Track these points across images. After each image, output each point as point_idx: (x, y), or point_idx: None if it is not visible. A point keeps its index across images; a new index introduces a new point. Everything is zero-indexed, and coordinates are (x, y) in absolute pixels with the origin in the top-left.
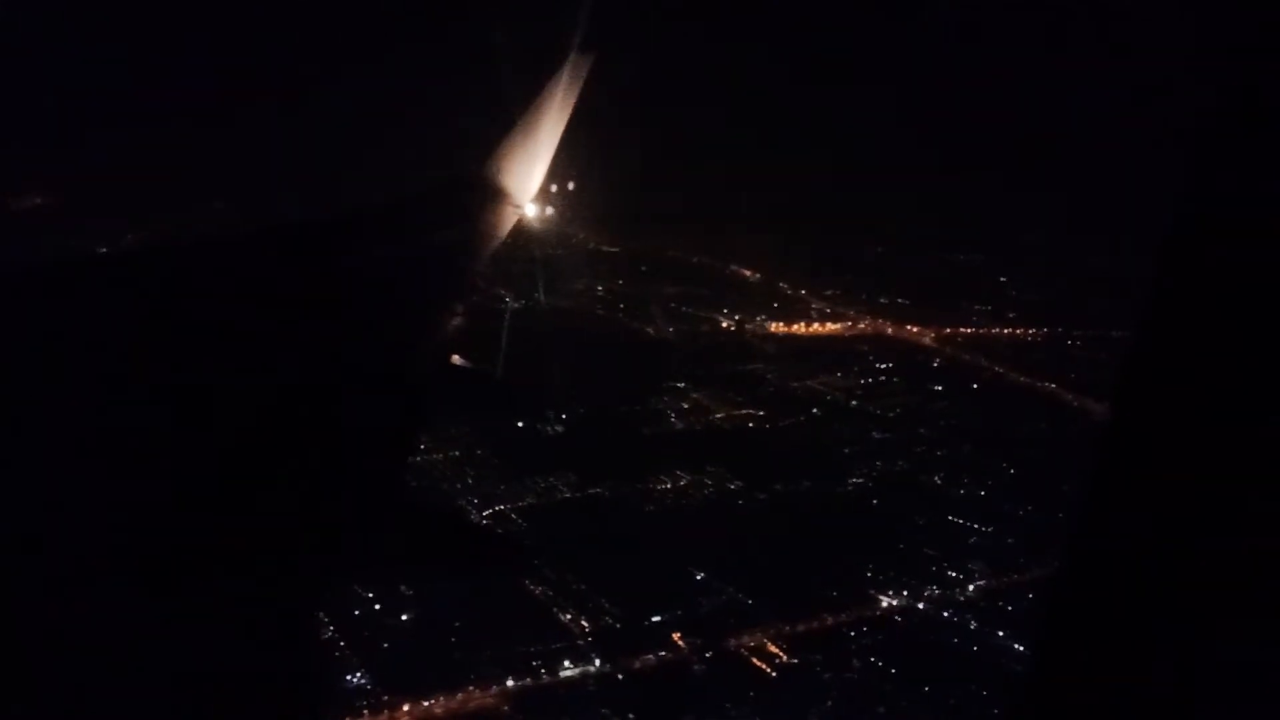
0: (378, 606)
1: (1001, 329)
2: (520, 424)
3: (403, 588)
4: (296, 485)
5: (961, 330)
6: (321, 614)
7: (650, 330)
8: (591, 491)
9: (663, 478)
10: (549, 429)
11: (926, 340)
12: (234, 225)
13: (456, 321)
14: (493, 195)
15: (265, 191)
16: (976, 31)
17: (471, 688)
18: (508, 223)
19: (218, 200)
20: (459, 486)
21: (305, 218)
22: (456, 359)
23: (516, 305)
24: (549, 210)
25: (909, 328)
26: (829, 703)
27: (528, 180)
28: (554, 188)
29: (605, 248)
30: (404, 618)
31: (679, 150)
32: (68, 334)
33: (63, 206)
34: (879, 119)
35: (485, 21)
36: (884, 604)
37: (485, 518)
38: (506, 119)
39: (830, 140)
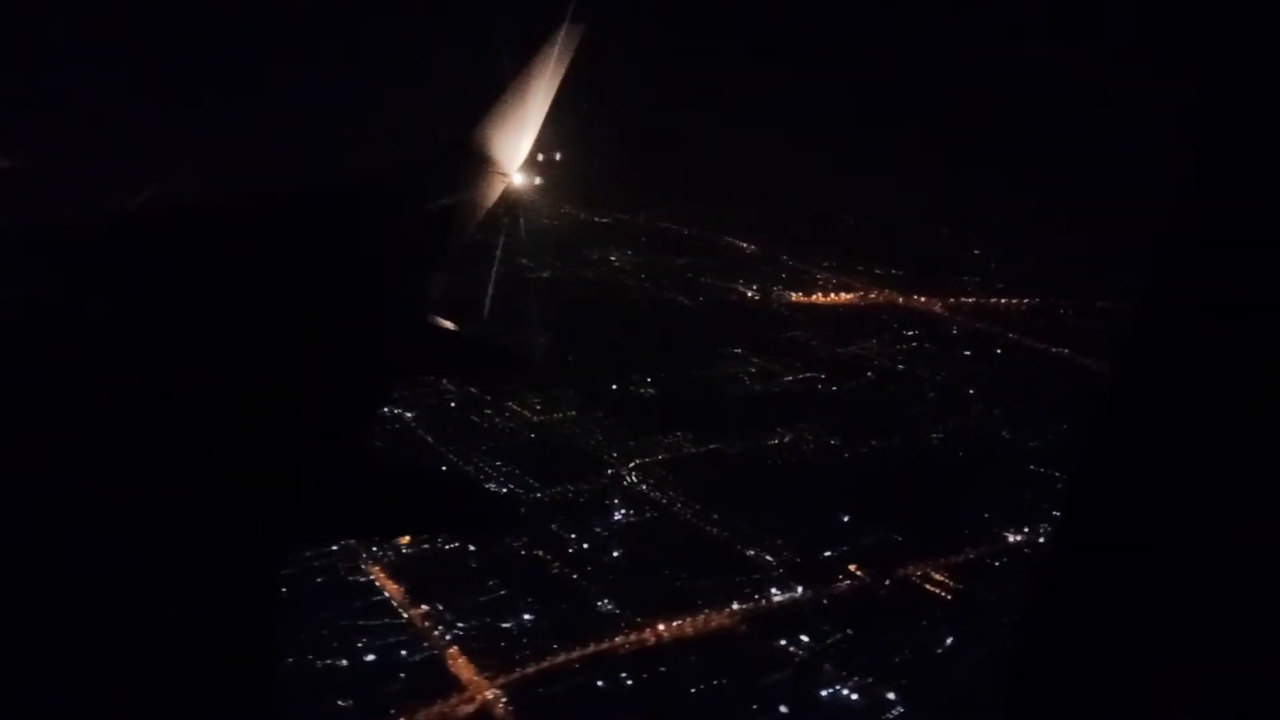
0: (586, 545)
1: (998, 299)
2: (615, 386)
3: (597, 528)
4: (264, 446)
5: (965, 300)
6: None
7: (684, 299)
8: (711, 447)
9: (766, 434)
10: (641, 391)
11: (937, 309)
12: (213, 187)
13: (439, 287)
14: (480, 163)
15: (246, 156)
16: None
17: (707, 610)
18: (495, 191)
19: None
20: (591, 444)
21: (288, 184)
22: (443, 322)
23: (548, 275)
24: (537, 180)
25: (916, 297)
26: (1002, 620)
27: (516, 149)
28: (540, 157)
29: (597, 219)
30: (615, 554)
31: (653, 123)
32: (39, 299)
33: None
34: (842, 99)
35: None
36: (1010, 540)
37: (630, 470)
38: (496, 87)
39: (798, 118)
